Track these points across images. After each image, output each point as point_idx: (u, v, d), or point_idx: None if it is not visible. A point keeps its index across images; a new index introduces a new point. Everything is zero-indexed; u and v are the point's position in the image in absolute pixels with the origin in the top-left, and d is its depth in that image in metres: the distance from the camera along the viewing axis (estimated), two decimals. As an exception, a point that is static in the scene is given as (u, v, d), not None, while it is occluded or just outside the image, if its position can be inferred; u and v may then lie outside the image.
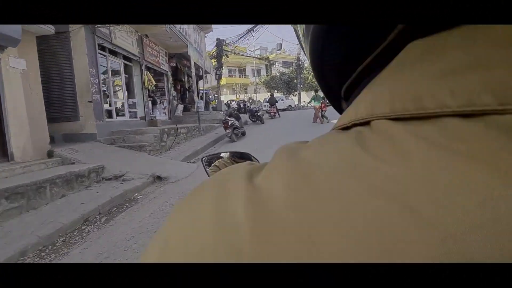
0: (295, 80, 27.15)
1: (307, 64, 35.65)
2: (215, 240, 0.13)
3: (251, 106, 15.08)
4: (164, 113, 10.98)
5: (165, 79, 11.04)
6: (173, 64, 11.38)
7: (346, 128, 0.16)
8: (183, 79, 14.78)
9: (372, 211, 0.11)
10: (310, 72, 34.76)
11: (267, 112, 15.24)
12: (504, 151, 0.10)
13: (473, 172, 0.10)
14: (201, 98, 18.38)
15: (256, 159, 0.64)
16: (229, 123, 8.56)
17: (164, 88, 11.12)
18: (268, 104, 16.39)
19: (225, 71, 35.22)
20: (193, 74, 12.31)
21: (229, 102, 26.98)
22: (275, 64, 33.53)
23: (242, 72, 36.16)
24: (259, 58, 29.31)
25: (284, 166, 0.14)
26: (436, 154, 0.11)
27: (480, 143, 0.11)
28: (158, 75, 10.75)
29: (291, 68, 29.88)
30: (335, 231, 0.11)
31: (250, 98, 30.97)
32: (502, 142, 0.10)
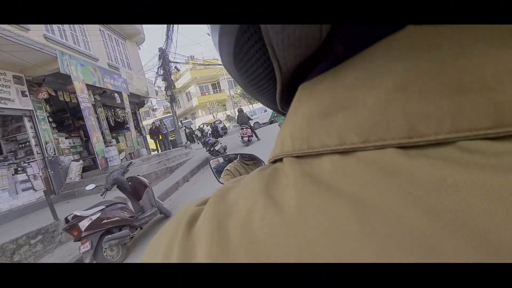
0: None
1: None
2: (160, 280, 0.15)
3: (208, 138, 9.77)
4: (32, 187, 5.82)
5: (25, 123, 5.97)
6: (44, 95, 6.24)
7: (273, 161, 0.18)
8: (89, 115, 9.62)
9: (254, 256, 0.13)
10: None
11: (240, 136, 10.18)
12: (368, 185, 0.11)
13: (340, 213, 0.11)
14: (155, 132, 13.40)
15: (262, 161, 0.65)
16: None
17: (29, 142, 6.04)
18: (238, 125, 11.32)
19: (195, 90, 30.35)
20: (126, 105, 7.55)
21: (201, 126, 21.94)
22: None
23: (216, 87, 31.29)
24: None
25: (210, 213, 0.16)
26: (314, 193, 0.13)
27: (352, 178, 0.12)
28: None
29: None
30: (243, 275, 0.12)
31: (228, 116, 26.01)
32: (367, 177, 0.12)
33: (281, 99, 0.22)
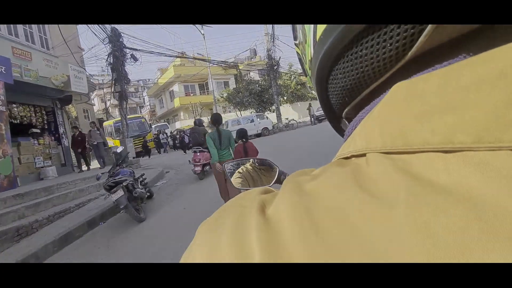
0: (270, 90, 18.40)
1: (287, 65, 25.44)
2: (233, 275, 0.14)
3: (120, 169, 4.71)
4: None
5: None
6: None
7: (346, 158, 0.18)
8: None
9: (356, 248, 0.12)
10: (292, 77, 26.76)
11: (191, 163, 6.51)
12: (478, 186, 0.11)
13: (450, 208, 0.11)
14: (78, 141, 8.84)
15: (276, 165, 0.68)
16: None
17: None
18: (191, 145, 7.61)
19: (179, 89, 26.63)
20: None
21: (174, 132, 18.21)
22: (249, 74, 25.14)
23: (204, 87, 27.73)
24: (225, 66, 20.72)
25: (290, 198, 0.16)
26: (419, 190, 0.12)
27: (459, 177, 0.12)
28: None
29: (263, 76, 20.07)
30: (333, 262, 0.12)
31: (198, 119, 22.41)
32: (477, 177, 0.12)
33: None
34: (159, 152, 16.07)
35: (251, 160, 0.75)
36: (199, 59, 18.98)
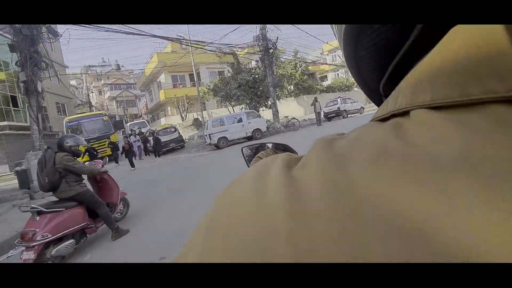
0: (265, 80, 14.31)
1: (292, 51, 22.48)
2: (254, 219, 0.13)
3: None
4: None
5: None
6: None
7: (384, 120, 0.16)
8: None
9: (408, 198, 0.10)
10: (298, 66, 22.04)
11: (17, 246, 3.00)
12: None
13: None
14: None
15: (295, 151, 0.65)
16: None
17: None
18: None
19: (166, 79, 23.17)
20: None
21: (130, 132, 14.19)
22: (250, 63, 21.27)
23: (194, 78, 24.06)
24: (220, 53, 16.10)
25: (320, 157, 0.15)
26: (477, 140, 0.11)
27: None
28: None
29: (258, 63, 15.44)
30: (368, 221, 0.11)
31: (196, 120, 18.86)
32: None
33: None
34: (116, 162, 11.99)
35: (270, 144, 0.70)
36: (181, 40, 15.23)
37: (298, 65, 21.94)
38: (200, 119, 17.84)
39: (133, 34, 10.62)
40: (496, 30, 0.12)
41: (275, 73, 14.60)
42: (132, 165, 10.23)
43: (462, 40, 0.13)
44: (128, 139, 11.62)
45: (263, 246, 0.12)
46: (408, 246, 0.09)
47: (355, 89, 23.95)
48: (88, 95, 26.20)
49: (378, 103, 0.26)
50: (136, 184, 7.07)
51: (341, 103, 15.17)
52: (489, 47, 0.12)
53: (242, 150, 0.75)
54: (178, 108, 20.62)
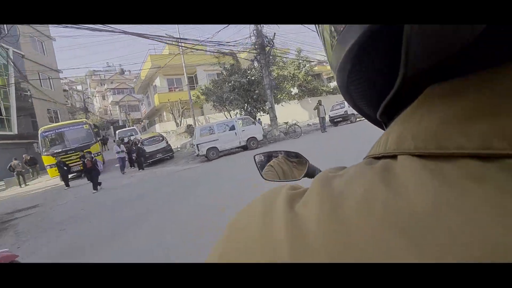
0: (263, 82, 12.52)
1: (295, 50, 20.91)
2: (260, 256, 0.15)
3: None
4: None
5: None
6: None
7: (377, 157, 0.18)
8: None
9: (385, 245, 0.12)
10: (302, 65, 20.19)
11: None
12: None
13: (479, 213, 0.11)
14: None
15: (306, 159, 0.67)
16: None
17: None
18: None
19: (161, 83, 21.94)
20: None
21: (130, 143, 13.21)
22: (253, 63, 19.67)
23: (194, 81, 22.83)
24: (218, 53, 14.52)
25: (318, 196, 0.17)
26: (449, 193, 0.12)
27: (493, 184, 0.12)
28: None
29: (253, 63, 13.34)
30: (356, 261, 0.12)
31: (189, 126, 17.46)
32: None
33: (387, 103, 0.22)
34: (67, 184, 9.79)
35: (282, 152, 0.72)
36: (172, 39, 13.78)
37: (301, 65, 20.29)
38: (194, 126, 16.44)
39: (131, 34, 9.23)
40: (467, 93, 0.15)
41: (273, 74, 13.02)
42: (95, 187, 8.25)
43: (435, 100, 0.16)
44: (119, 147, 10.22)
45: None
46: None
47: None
48: (84, 100, 25.25)
49: (379, 125, 0.28)
50: (100, 206, 5.97)
51: (349, 106, 13.25)
52: (458, 107, 0.14)
53: (254, 158, 0.77)
54: (172, 113, 19.32)
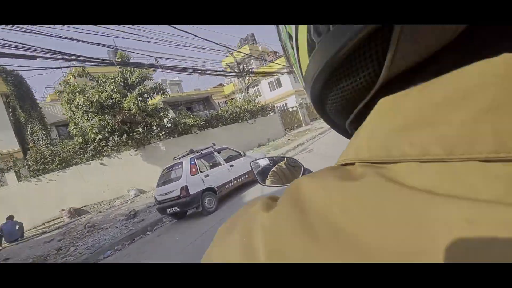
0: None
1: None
2: (241, 257, 0.18)
3: None
4: None
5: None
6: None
7: (341, 164, 0.21)
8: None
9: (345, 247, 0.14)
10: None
11: None
12: (441, 185, 0.14)
13: (416, 204, 0.14)
14: None
15: (303, 166, 0.71)
16: None
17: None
18: None
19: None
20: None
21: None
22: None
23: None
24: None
25: (289, 200, 0.19)
26: (390, 190, 0.15)
27: (426, 179, 0.15)
28: None
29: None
30: (325, 240, 0.15)
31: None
32: (449, 185, 0.14)
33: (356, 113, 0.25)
34: None
35: (285, 158, 0.78)
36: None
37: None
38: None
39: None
40: (410, 104, 0.17)
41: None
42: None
43: (385, 112, 0.19)
44: None
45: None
46: None
47: (271, 113, 16.79)
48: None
49: (346, 135, 0.32)
50: None
51: (217, 157, 6.51)
52: (402, 118, 0.17)
53: (250, 164, 0.84)
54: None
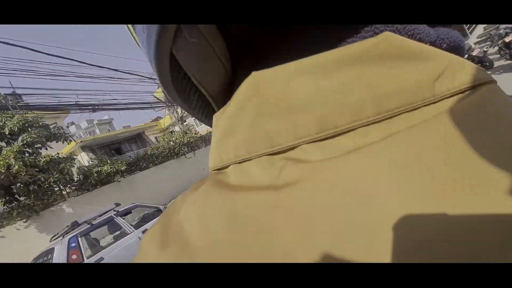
0: None
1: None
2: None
3: None
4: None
5: None
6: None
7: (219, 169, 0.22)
8: None
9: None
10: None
11: None
12: (243, 180, 0.18)
13: (230, 202, 0.17)
14: None
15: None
16: None
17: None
18: None
19: None
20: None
21: None
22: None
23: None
24: None
25: (162, 215, 0.23)
26: (214, 194, 0.19)
27: (241, 176, 0.18)
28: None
29: None
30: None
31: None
32: (247, 174, 0.18)
33: None
34: None
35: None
36: None
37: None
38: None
39: None
40: (223, 128, 0.20)
41: None
42: None
43: (214, 132, 0.21)
44: None
45: None
46: None
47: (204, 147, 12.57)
48: None
49: None
50: None
51: (121, 224, 4.22)
52: (222, 133, 0.20)
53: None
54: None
